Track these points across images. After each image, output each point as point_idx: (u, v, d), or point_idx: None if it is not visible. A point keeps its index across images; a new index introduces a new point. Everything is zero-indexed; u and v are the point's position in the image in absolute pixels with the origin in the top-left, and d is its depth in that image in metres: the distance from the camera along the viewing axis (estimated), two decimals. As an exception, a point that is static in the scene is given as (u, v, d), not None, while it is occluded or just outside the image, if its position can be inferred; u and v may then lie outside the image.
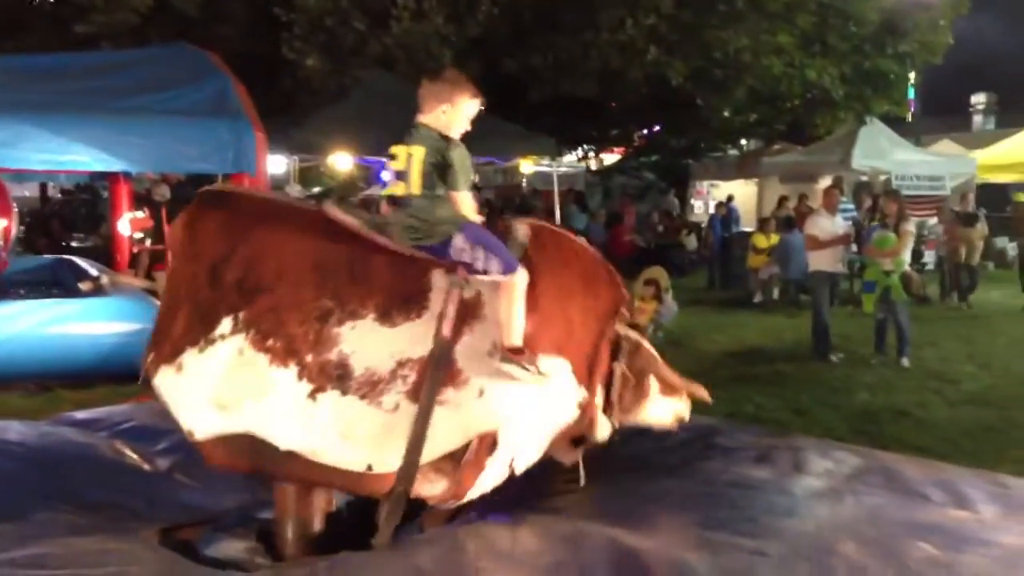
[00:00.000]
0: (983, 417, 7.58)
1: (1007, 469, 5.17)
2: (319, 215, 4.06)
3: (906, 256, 9.84)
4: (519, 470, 4.20)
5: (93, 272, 9.65)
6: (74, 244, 16.47)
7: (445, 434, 3.93)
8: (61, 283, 9.67)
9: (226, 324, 3.83)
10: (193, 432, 3.86)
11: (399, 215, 4.04)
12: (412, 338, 3.91)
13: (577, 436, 4.42)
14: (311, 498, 4.16)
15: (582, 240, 4.76)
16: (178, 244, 4.03)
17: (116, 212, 11.95)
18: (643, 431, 5.65)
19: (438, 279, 3.98)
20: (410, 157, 3.97)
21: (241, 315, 3.83)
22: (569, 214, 18.15)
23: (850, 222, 12.21)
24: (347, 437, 3.84)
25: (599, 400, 4.41)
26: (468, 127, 4.16)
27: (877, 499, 4.49)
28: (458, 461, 4.00)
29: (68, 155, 8.02)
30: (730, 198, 20.82)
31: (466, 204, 4.02)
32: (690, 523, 4.13)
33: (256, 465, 3.97)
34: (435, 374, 3.88)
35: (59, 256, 11.44)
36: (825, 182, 16.02)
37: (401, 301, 3.95)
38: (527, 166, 15.76)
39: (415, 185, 3.94)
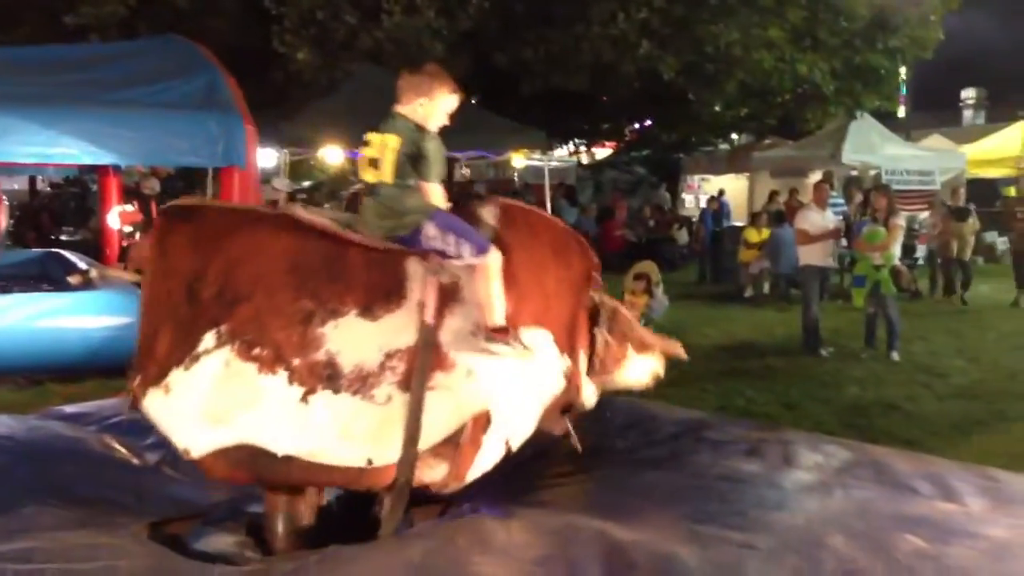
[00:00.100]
0: (972, 411, 7.60)
1: (995, 462, 5.19)
2: (287, 219, 4.05)
3: (896, 250, 9.85)
4: (515, 445, 4.24)
5: (82, 266, 9.61)
6: (63, 238, 16.41)
7: (440, 419, 3.96)
8: (50, 277, 9.63)
9: (209, 338, 3.80)
10: (189, 450, 3.83)
11: (369, 204, 4.08)
12: (396, 329, 3.93)
13: (565, 404, 4.47)
14: (301, 493, 4.16)
15: (549, 214, 4.83)
16: (149, 263, 3.97)
17: (105, 205, 11.91)
18: (633, 424, 5.69)
19: (414, 268, 4.00)
20: (384, 145, 4.00)
21: (223, 328, 3.80)
22: (559, 208, 18.14)
23: (840, 216, 12.23)
24: (344, 435, 3.85)
25: (583, 366, 4.48)
26: (445, 121, 4.20)
27: (866, 492, 4.51)
28: (455, 444, 4.03)
29: (57, 148, 7.98)
30: (721, 192, 20.84)
31: (436, 194, 4.06)
32: (680, 516, 4.15)
33: (256, 474, 3.96)
34: (423, 361, 3.90)
35: (48, 250, 11.41)
36: (815, 176, 16.05)
37: (380, 294, 3.96)
38: (518, 160, 15.75)
39: (387, 173, 3.99)
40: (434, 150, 4.03)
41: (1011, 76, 31.26)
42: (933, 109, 30.59)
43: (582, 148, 25.40)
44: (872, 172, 17.33)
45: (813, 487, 4.61)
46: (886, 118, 20.10)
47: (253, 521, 4.32)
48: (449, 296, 4.01)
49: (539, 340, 4.19)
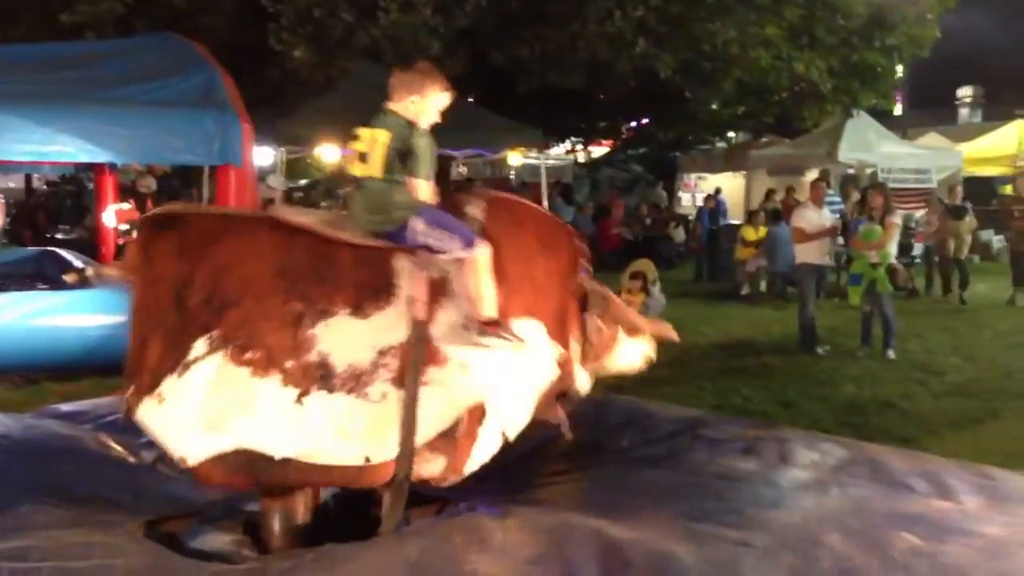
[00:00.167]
0: (968, 409, 7.61)
1: (991, 460, 5.19)
2: (272, 221, 4.05)
3: (892, 248, 9.86)
4: (512, 436, 4.25)
5: (78, 264, 9.59)
6: (59, 236, 16.39)
7: (435, 413, 3.97)
8: (46, 275, 9.61)
9: (200, 345, 3.77)
10: (186, 459, 3.81)
11: (356, 198, 4.07)
12: (387, 326, 3.92)
13: (559, 392, 4.48)
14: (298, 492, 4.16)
15: (533, 203, 4.84)
16: (136, 272, 3.94)
17: (101, 204, 11.88)
18: (630, 423, 5.70)
19: (402, 264, 3.99)
20: (374, 140, 4.00)
21: (214, 333, 3.78)
22: (555, 207, 18.13)
23: (837, 215, 12.24)
24: (340, 434, 3.85)
25: (575, 353, 4.49)
26: (437, 119, 4.20)
27: (862, 490, 4.52)
28: (452, 437, 4.04)
29: (53, 146, 7.98)
30: (718, 191, 20.86)
31: (423, 190, 4.05)
32: (676, 515, 4.15)
33: (254, 478, 3.95)
34: (416, 357, 3.90)
35: (44, 248, 11.38)
36: (812, 175, 16.07)
37: (370, 292, 3.95)
38: (515, 158, 15.76)
39: (376, 168, 3.98)
40: (424, 147, 4.03)
41: (1008, 75, 31.26)
42: (930, 107, 30.62)
43: (579, 146, 25.39)
44: (869, 170, 17.33)
45: (809, 485, 4.61)
46: (883, 116, 20.11)
47: (250, 519, 4.31)
48: (439, 290, 4.00)
49: (530, 330, 4.19)
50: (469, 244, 3.94)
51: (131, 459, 5.15)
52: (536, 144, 15.13)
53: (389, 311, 3.94)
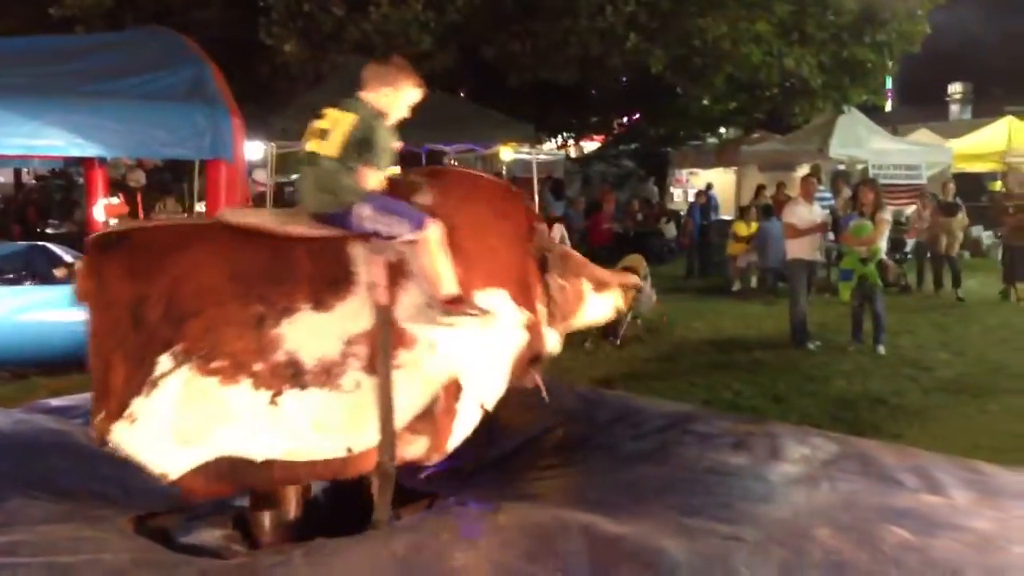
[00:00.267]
0: (957, 404, 7.64)
1: (980, 455, 5.21)
2: (220, 227, 4.01)
3: (882, 244, 9.89)
4: (489, 406, 4.28)
5: (68, 259, 9.56)
6: (49, 230, 16.33)
7: (411, 395, 3.98)
8: (36, 270, 9.59)
9: (165, 361, 3.73)
10: (167, 474, 3.78)
11: (307, 174, 4.06)
12: (351, 315, 3.92)
13: (531, 356, 4.50)
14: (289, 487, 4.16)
15: (479, 172, 4.87)
16: (88, 296, 3.85)
17: (91, 198, 11.83)
18: (620, 418, 5.70)
19: (357, 251, 3.99)
20: (337, 121, 3.99)
21: (177, 347, 3.73)
22: (545, 202, 18.13)
23: (827, 211, 12.26)
24: (319, 428, 3.85)
25: (542, 316, 4.50)
26: (406, 114, 4.22)
27: (852, 485, 4.53)
28: (431, 416, 4.06)
29: (42, 140, 7.94)
30: (709, 186, 20.88)
31: (373, 180, 4.01)
32: (667, 509, 4.15)
33: (239, 483, 3.95)
34: (384, 342, 3.90)
35: (33, 242, 11.34)
36: (803, 170, 16.08)
37: (329, 283, 3.94)
38: (507, 153, 15.73)
39: (334, 147, 3.96)
40: (384, 138, 4.03)
41: (997, 71, 31.39)
42: (920, 103, 30.72)
43: (570, 142, 25.38)
44: (859, 166, 17.38)
45: (800, 480, 4.62)
46: (873, 112, 20.14)
47: (239, 515, 4.31)
48: (398, 273, 4.00)
49: (494, 300, 4.20)
50: (418, 225, 3.94)
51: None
52: (528, 139, 15.11)
53: (351, 300, 3.94)
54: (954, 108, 33.20)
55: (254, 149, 12.82)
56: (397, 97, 4.15)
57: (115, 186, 12.61)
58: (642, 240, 17.87)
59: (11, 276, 9.23)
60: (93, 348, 3.81)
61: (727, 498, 4.33)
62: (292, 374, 3.82)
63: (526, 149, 15.94)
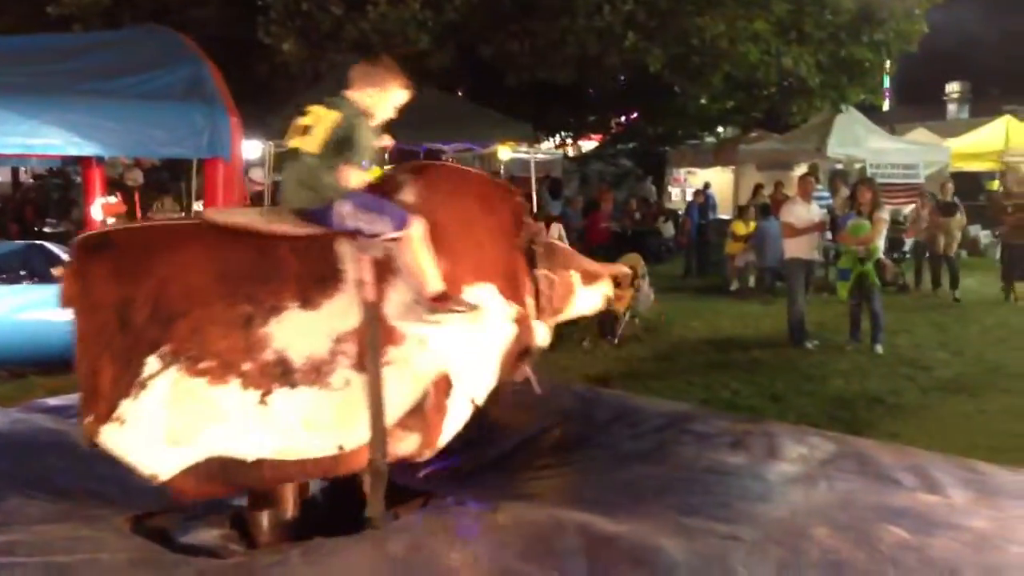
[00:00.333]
0: (955, 403, 7.65)
1: (977, 455, 5.22)
2: (205, 227, 4.00)
3: (880, 243, 9.89)
4: (480, 401, 4.27)
5: (65, 258, 9.53)
6: (46, 229, 16.31)
7: (401, 391, 3.98)
8: (33, 269, 9.57)
9: (152, 363, 3.71)
10: (158, 475, 3.77)
11: (289, 170, 4.06)
12: (339, 313, 3.91)
13: (521, 350, 4.49)
14: (285, 486, 4.15)
15: (466, 167, 4.87)
16: (72, 300, 3.83)
17: (89, 197, 11.81)
18: (618, 417, 5.71)
19: (345, 249, 3.98)
20: (321, 118, 3.98)
21: (164, 349, 3.72)
22: (543, 201, 18.13)
23: (825, 210, 12.26)
24: (309, 427, 3.84)
25: (531, 309, 4.51)
26: (392, 115, 4.21)
27: (850, 484, 4.54)
28: (421, 413, 4.05)
29: (39, 139, 7.91)
30: (706, 185, 20.87)
31: (354, 179, 3.99)
32: (665, 509, 4.16)
33: (230, 484, 3.93)
34: (372, 339, 3.90)
35: (31, 241, 11.33)
36: (801, 170, 16.08)
37: (316, 281, 3.93)
38: (505, 152, 15.74)
39: (315, 144, 3.95)
40: (367, 139, 4.02)
41: (995, 70, 31.41)
42: (917, 103, 30.72)
43: (568, 140, 25.36)
44: (857, 165, 17.37)
45: (797, 479, 4.63)
46: (871, 112, 20.13)
47: (237, 514, 4.31)
48: (385, 269, 3.99)
49: (483, 293, 4.21)
50: (399, 224, 3.94)
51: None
52: (525, 137, 15.11)
53: (339, 298, 3.93)
54: (952, 107, 33.24)
55: (252, 148, 12.82)
56: (383, 97, 4.15)
57: (113, 185, 12.59)
58: (640, 239, 17.86)
59: (9, 275, 9.21)
60: (80, 351, 3.80)
61: (725, 497, 4.34)
62: (281, 373, 3.81)
63: (524, 148, 15.93)
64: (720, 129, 24.31)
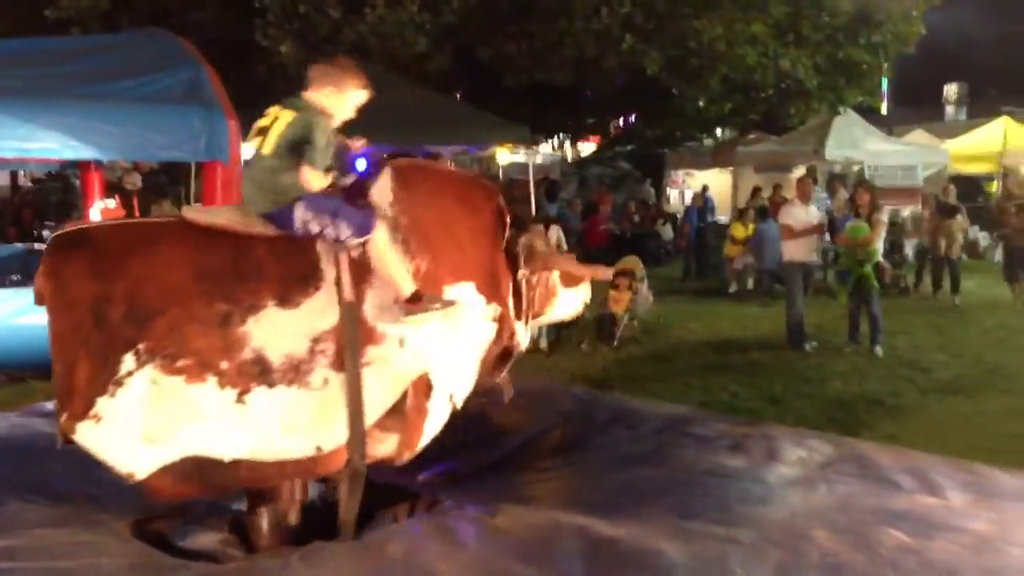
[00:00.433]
0: (954, 405, 7.65)
1: (977, 457, 5.23)
2: (183, 225, 3.97)
3: (879, 245, 9.89)
4: (459, 402, 4.26)
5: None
6: (45, 233, 16.28)
7: (380, 392, 3.96)
8: (32, 273, 9.54)
9: (129, 360, 3.68)
10: (134, 473, 3.73)
11: (247, 176, 4.05)
12: (318, 312, 3.89)
13: (502, 351, 4.49)
14: (283, 489, 4.15)
15: (447, 166, 4.83)
16: (47, 298, 3.80)
17: (87, 201, 11.81)
18: (617, 420, 5.71)
19: (323, 249, 3.95)
20: (277, 118, 3.97)
21: (141, 347, 3.69)
22: (540, 204, 18.11)
23: (824, 212, 12.27)
24: (287, 427, 3.82)
25: (512, 310, 4.50)
26: (351, 115, 4.18)
27: (849, 487, 4.54)
28: (401, 413, 4.04)
29: (37, 142, 7.90)
30: (705, 188, 20.88)
31: (316, 180, 3.92)
32: (664, 511, 4.16)
33: (207, 484, 3.90)
34: (351, 338, 3.88)
35: (30, 245, 11.32)
36: (799, 172, 16.10)
37: (295, 281, 3.91)
38: (503, 155, 15.74)
39: (269, 144, 3.94)
40: (322, 137, 3.93)
41: (993, 71, 31.45)
42: (916, 104, 30.74)
43: (567, 143, 25.40)
44: (855, 167, 17.39)
45: (797, 482, 4.63)
46: (869, 113, 20.16)
47: (237, 518, 4.30)
48: (364, 269, 3.97)
49: (462, 292, 4.20)
50: (360, 230, 3.88)
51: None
52: (523, 140, 15.11)
53: (318, 297, 3.91)
54: (950, 109, 33.25)
55: (250, 151, 12.80)
56: (340, 98, 4.10)
57: (112, 189, 12.58)
58: (639, 242, 17.85)
59: (7, 279, 9.20)
60: (56, 348, 3.76)
61: (724, 500, 4.34)
62: (259, 372, 3.79)
63: (522, 151, 15.93)
64: (718, 131, 24.33)
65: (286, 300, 3.86)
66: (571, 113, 20.75)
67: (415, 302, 3.93)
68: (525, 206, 14.12)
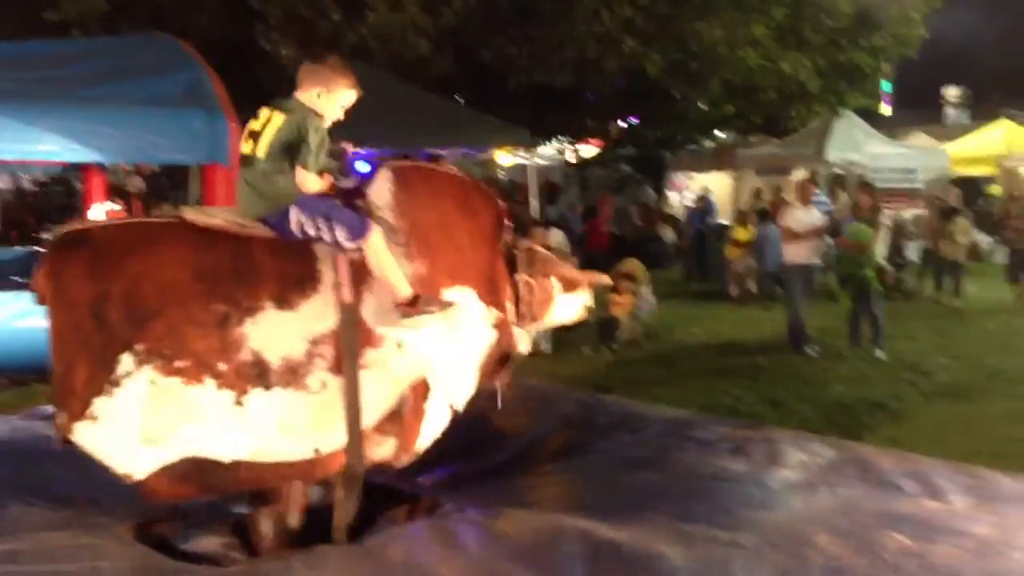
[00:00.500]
0: (956, 409, 7.64)
1: (979, 461, 5.22)
2: (182, 226, 3.95)
3: (880, 248, 9.89)
4: (459, 406, 4.25)
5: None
6: (47, 236, 16.27)
7: (379, 395, 3.96)
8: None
9: (127, 361, 3.67)
10: (131, 474, 3.72)
11: (241, 180, 4.02)
12: (317, 314, 3.88)
13: (501, 356, 4.48)
14: (286, 492, 4.14)
15: (448, 168, 4.83)
16: (47, 297, 3.78)
17: (90, 204, 11.82)
18: (619, 423, 5.70)
19: (322, 250, 3.94)
20: (269, 121, 3.95)
21: (139, 347, 3.68)
22: (541, 206, 18.12)
23: (825, 214, 12.25)
24: (285, 429, 3.82)
25: (510, 314, 4.49)
26: (340, 115, 4.16)
27: (851, 490, 4.53)
28: (399, 417, 4.03)
29: (39, 146, 7.91)
30: (706, 191, 20.87)
31: (312, 182, 3.92)
32: (666, 515, 4.15)
33: (204, 486, 3.89)
34: (350, 341, 3.88)
35: (32, 248, 11.31)
36: (800, 174, 16.09)
37: (294, 282, 3.90)
38: (504, 158, 15.76)
39: (262, 147, 3.92)
40: (316, 138, 3.92)
41: (994, 74, 31.40)
42: (916, 107, 30.70)
43: (567, 146, 25.38)
44: (856, 170, 17.38)
45: (799, 485, 4.63)
46: (870, 116, 20.16)
47: (238, 522, 4.30)
48: (363, 271, 3.95)
49: (461, 296, 4.19)
50: (356, 234, 3.86)
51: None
52: (523, 142, 15.13)
53: (316, 299, 3.90)
54: (951, 112, 33.23)
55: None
56: (331, 98, 4.08)
57: (115, 192, 12.59)
58: (640, 245, 17.81)
59: (10, 282, 9.19)
60: (55, 348, 3.75)
61: (726, 504, 4.34)
62: (257, 374, 3.78)
63: (523, 154, 15.94)
64: (719, 134, 24.32)
65: (284, 302, 3.86)
66: (572, 116, 20.74)
67: (412, 305, 3.92)
68: (525, 208, 14.13)
